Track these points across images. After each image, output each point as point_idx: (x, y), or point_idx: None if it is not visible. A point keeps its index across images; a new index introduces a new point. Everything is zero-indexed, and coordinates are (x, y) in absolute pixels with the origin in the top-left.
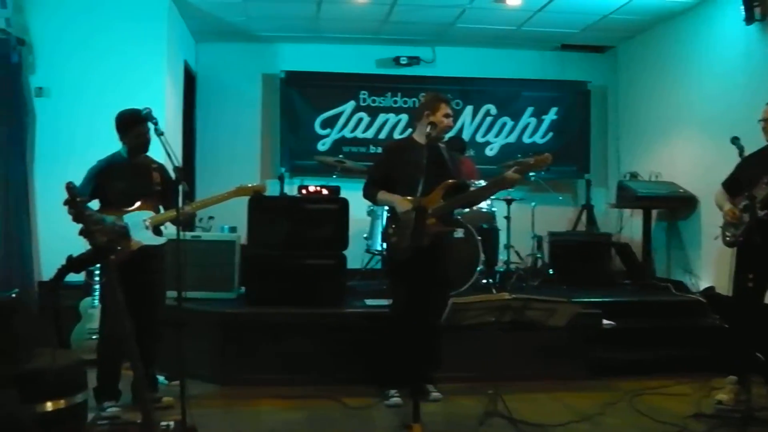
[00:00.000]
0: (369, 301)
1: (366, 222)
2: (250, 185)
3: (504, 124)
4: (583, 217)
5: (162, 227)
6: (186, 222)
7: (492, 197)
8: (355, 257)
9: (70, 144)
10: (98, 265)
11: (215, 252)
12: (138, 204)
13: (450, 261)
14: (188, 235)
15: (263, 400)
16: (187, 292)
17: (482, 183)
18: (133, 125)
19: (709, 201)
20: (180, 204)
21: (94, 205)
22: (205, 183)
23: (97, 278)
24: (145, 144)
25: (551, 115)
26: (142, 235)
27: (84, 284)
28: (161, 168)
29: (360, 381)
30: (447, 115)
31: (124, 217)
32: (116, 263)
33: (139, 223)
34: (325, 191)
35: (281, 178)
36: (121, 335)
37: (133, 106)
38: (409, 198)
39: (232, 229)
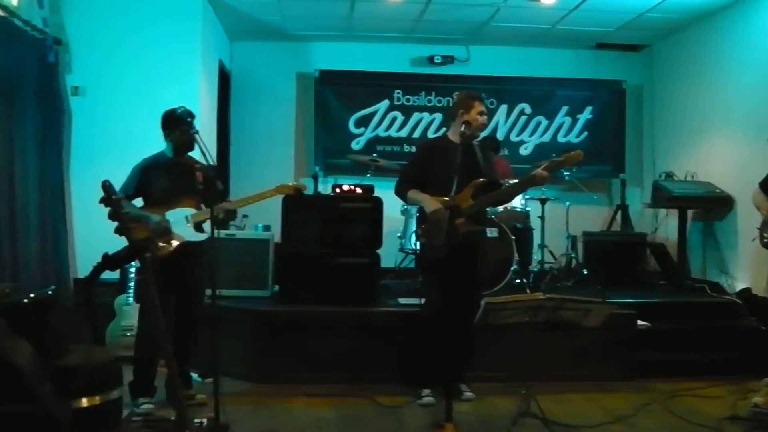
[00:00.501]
0: (402, 300)
1: (400, 221)
2: (290, 184)
3: (538, 123)
4: (618, 217)
5: (203, 225)
6: (228, 219)
7: (526, 197)
8: (388, 256)
9: (105, 143)
10: (133, 263)
11: (249, 250)
12: (180, 202)
13: (483, 260)
14: (222, 233)
15: (296, 398)
16: (222, 290)
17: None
18: (178, 124)
19: (746, 201)
20: (215, 203)
21: (138, 202)
22: (239, 182)
23: (132, 276)
24: (190, 143)
25: (586, 114)
26: (184, 232)
27: (119, 281)
28: (204, 168)
29: (393, 380)
30: (481, 113)
31: (166, 214)
32: (157, 259)
33: (181, 220)
34: (359, 190)
35: (315, 177)
36: (156, 333)
37: (168, 105)
38: (438, 198)
39: (266, 228)
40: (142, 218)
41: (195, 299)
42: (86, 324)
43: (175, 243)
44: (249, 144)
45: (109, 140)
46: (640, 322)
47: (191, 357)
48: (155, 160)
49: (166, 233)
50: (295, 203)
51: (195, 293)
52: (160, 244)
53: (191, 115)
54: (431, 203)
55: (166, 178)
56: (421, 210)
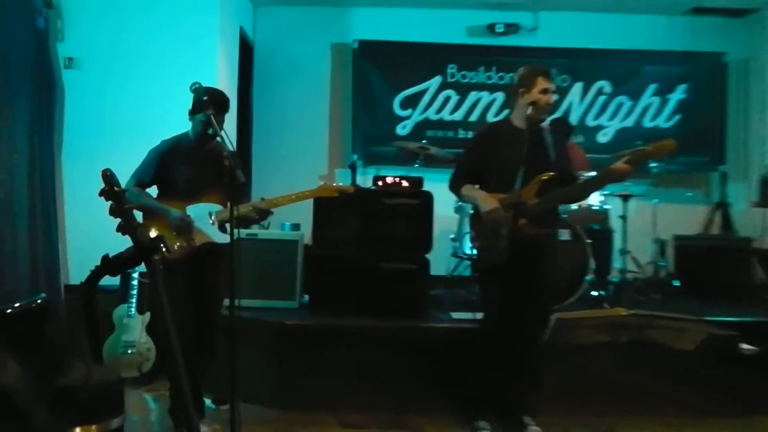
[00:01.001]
0: (455, 315)
1: (453, 220)
2: (335, 185)
3: (620, 105)
4: (717, 218)
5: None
6: (260, 220)
7: (605, 192)
8: (439, 261)
9: (104, 124)
10: (137, 267)
11: (274, 253)
12: (205, 195)
13: (553, 268)
14: (243, 233)
15: (328, 429)
16: (242, 300)
17: (592, 175)
18: (210, 108)
19: None
20: (238, 198)
21: (152, 192)
22: (263, 171)
23: (134, 282)
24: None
25: (678, 93)
26: (208, 231)
27: (120, 289)
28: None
29: (443, 409)
30: (545, 91)
31: (188, 208)
32: (175, 260)
33: (204, 218)
34: (405, 183)
35: (353, 168)
36: (169, 348)
37: (180, 80)
38: (497, 195)
39: (295, 227)
40: (160, 211)
41: (216, 308)
42: (81, 339)
43: (197, 241)
44: (275, 128)
45: (109, 121)
46: (744, 346)
47: (205, 377)
48: (177, 143)
49: (188, 231)
50: (329, 198)
51: (216, 301)
52: (178, 244)
53: (198, 92)
54: (487, 201)
55: (191, 166)
56: (475, 209)
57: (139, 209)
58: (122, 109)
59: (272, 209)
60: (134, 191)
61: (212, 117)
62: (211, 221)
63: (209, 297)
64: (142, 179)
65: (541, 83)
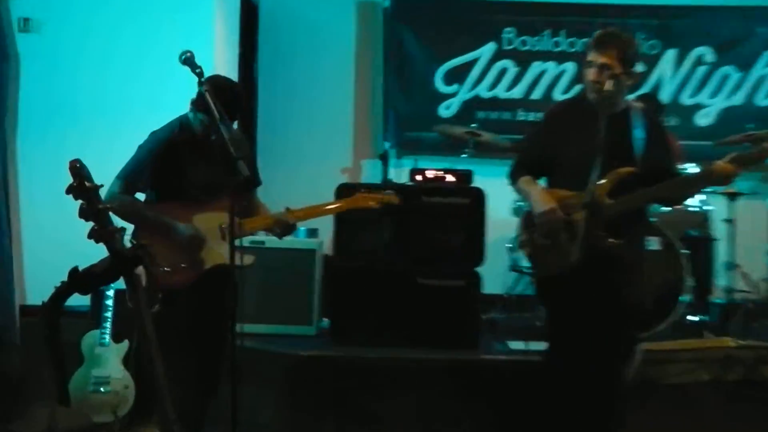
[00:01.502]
0: (514, 344)
1: (511, 225)
2: (379, 194)
3: (726, 78)
4: None
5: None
6: (282, 235)
7: (705, 190)
8: (494, 277)
9: (73, 103)
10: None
11: (286, 266)
12: (218, 203)
13: (638, 286)
14: (245, 240)
15: None
16: (246, 325)
17: (690, 170)
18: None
19: None
20: (240, 200)
21: (142, 197)
22: (270, 162)
23: (109, 302)
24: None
25: None
26: (221, 249)
27: (90, 311)
28: (244, 140)
29: None
30: (588, 64)
31: (195, 219)
32: (182, 288)
33: (216, 232)
34: (450, 178)
35: (384, 158)
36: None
37: (166, 46)
38: (557, 191)
39: (311, 233)
40: (163, 226)
41: (224, 343)
42: (42, 374)
43: (208, 264)
44: (285, 109)
45: (80, 101)
46: None
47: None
48: (185, 131)
49: (199, 249)
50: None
51: (225, 335)
52: (183, 265)
53: (190, 63)
54: (542, 200)
55: (204, 163)
56: (530, 208)
57: (131, 221)
58: (96, 85)
59: (296, 223)
60: (122, 198)
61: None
62: (222, 236)
63: (218, 329)
64: (133, 182)
65: (588, 53)
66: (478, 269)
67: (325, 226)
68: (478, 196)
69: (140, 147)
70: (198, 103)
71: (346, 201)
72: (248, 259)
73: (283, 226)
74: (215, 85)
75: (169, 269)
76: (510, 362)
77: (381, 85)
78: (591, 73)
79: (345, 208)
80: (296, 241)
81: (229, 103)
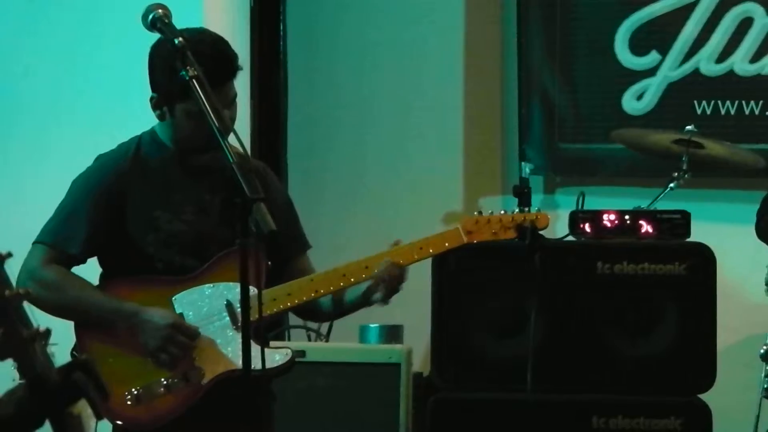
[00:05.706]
0: None
1: (763, 311)
2: (521, 216)
3: None
4: None
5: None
6: (390, 292)
7: None
8: (736, 406)
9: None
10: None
11: (347, 394)
12: (218, 268)
13: None
14: (277, 355)
15: None
16: None
17: None
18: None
19: None
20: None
21: (91, 271)
22: (303, 191)
23: None
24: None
25: None
26: (226, 350)
27: None
28: (265, 171)
29: None
30: None
31: (176, 300)
32: (163, 422)
33: (213, 316)
34: (647, 226)
35: (521, 192)
36: None
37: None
38: None
39: (391, 333)
40: (128, 319)
41: None
42: None
43: (209, 376)
44: (332, 108)
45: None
46: None
47: None
48: (139, 159)
49: (190, 351)
50: (467, 258)
51: None
52: (164, 384)
53: (163, 27)
54: None
55: (176, 206)
56: None
57: (65, 316)
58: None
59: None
60: (47, 276)
61: (206, 99)
62: (232, 320)
63: None
64: (64, 247)
65: None
66: (705, 393)
67: (415, 320)
68: (705, 262)
69: (73, 184)
70: (171, 102)
71: (442, 236)
72: (281, 356)
73: (388, 278)
74: (201, 54)
75: (138, 397)
76: None
77: (514, 55)
78: None
79: (466, 242)
80: (364, 348)
81: (224, 67)
